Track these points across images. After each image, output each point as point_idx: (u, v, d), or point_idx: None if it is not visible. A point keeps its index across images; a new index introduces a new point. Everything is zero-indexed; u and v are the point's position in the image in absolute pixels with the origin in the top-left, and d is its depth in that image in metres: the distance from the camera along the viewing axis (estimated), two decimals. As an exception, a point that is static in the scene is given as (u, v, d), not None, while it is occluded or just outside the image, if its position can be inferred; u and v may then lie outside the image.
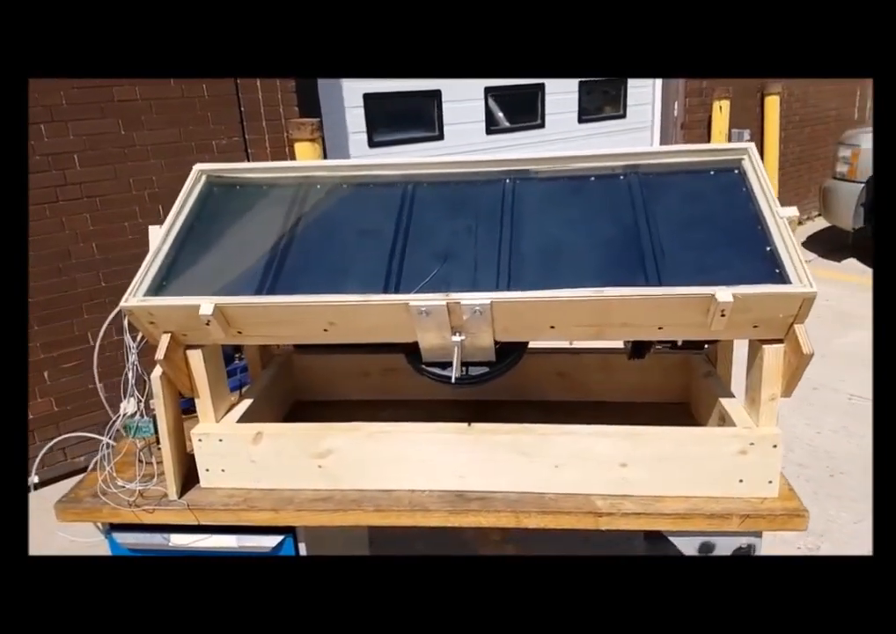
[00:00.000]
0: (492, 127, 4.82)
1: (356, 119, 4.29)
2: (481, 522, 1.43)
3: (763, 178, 1.42)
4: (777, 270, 1.29)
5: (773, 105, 5.96)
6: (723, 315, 1.23)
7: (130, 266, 3.36)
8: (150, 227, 1.49)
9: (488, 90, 4.71)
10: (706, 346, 1.61)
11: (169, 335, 1.40)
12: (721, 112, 5.50)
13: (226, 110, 3.44)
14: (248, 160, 3.59)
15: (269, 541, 1.50)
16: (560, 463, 1.43)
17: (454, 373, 1.35)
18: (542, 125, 5.08)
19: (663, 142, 5.78)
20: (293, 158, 3.65)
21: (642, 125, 5.72)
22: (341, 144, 4.19)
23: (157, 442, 1.50)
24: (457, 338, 1.32)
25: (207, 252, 1.49)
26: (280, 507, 1.46)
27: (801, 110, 6.42)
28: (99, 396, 3.37)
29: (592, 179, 1.54)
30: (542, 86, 4.99)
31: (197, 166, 1.63)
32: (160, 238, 1.47)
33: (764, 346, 1.33)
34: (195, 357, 1.45)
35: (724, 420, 1.48)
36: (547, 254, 1.40)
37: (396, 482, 1.49)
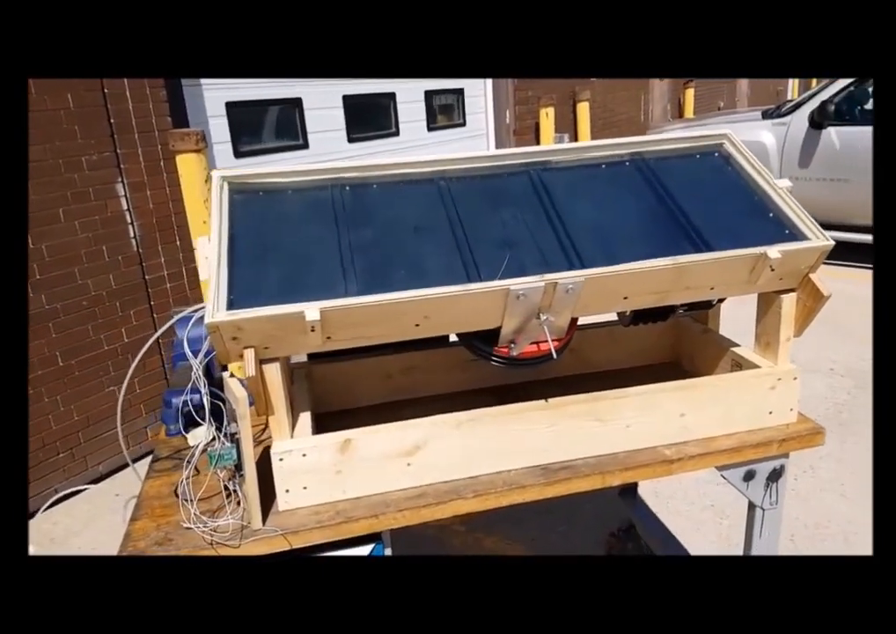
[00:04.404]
0: (353, 135, 4.85)
1: (219, 129, 4.09)
2: (572, 489, 1.52)
3: (750, 157, 1.68)
4: (787, 231, 1.55)
5: (584, 110, 6.68)
6: (772, 270, 1.46)
7: None
8: (199, 238, 1.37)
9: (345, 98, 4.74)
10: (714, 305, 1.85)
11: (252, 349, 1.31)
12: (547, 118, 6.04)
13: (95, 123, 3.11)
14: (122, 176, 3.28)
15: (362, 552, 1.46)
16: (630, 423, 1.57)
17: (552, 350, 1.42)
18: (397, 133, 5.21)
19: (498, 147, 6.20)
20: (172, 172, 3.40)
21: (479, 132, 6.09)
22: (207, 155, 3.95)
23: (238, 470, 1.38)
24: (551, 317, 1.41)
25: (264, 261, 1.40)
26: (379, 512, 1.42)
27: (603, 115, 7.26)
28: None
29: (603, 166, 1.71)
30: (393, 95, 5.12)
31: (216, 173, 1.51)
32: (215, 250, 1.36)
33: (781, 296, 1.58)
34: (272, 371, 1.36)
35: (741, 366, 1.72)
36: (599, 234, 1.53)
37: (482, 466, 1.52)
